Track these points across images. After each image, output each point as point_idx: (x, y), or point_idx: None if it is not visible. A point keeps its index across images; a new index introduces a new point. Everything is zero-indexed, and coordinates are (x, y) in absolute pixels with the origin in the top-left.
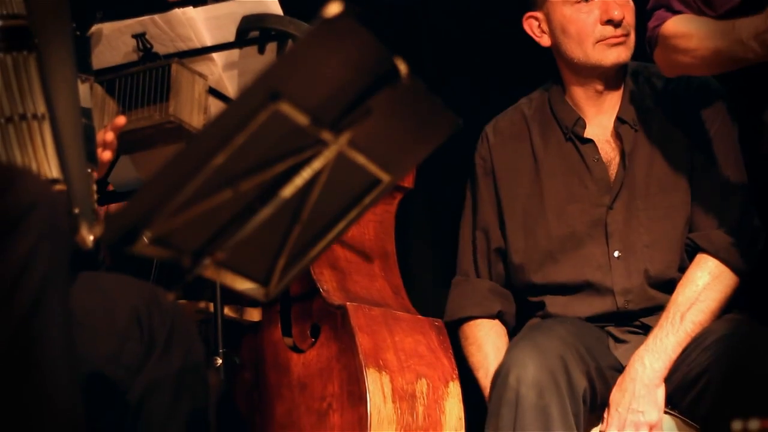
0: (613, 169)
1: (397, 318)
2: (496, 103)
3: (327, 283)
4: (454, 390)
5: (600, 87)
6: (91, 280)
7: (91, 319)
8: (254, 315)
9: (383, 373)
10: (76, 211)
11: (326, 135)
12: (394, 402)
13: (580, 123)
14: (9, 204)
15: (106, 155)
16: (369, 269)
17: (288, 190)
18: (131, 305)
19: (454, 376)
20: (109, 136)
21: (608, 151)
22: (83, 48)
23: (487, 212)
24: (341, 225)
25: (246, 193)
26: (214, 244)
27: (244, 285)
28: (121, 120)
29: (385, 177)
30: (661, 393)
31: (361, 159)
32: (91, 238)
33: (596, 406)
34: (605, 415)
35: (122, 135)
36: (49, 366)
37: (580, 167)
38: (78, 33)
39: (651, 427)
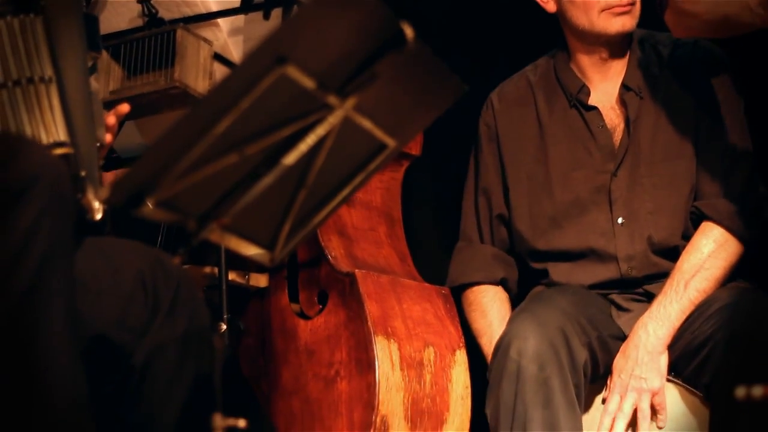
0: (618, 136)
1: (404, 285)
2: (503, 71)
3: (335, 250)
4: (461, 358)
5: (605, 54)
6: (97, 244)
7: (96, 282)
8: (261, 281)
9: (392, 340)
10: (83, 174)
11: (332, 99)
12: (402, 369)
13: (584, 90)
14: (12, 176)
15: (106, 138)
16: (376, 236)
17: (294, 155)
18: (136, 269)
19: (461, 345)
20: (111, 119)
21: (613, 118)
22: (93, 27)
23: (490, 178)
24: (347, 190)
25: (252, 157)
26: (219, 208)
27: (249, 249)
28: (125, 107)
29: (390, 142)
30: (664, 360)
31: (366, 124)
32: (97, 204)
33: (598, 376)
34: (608, 382)
35: (128, 100)
36: (50, 342)
37: (584, 134)
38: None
39: (653, 394)
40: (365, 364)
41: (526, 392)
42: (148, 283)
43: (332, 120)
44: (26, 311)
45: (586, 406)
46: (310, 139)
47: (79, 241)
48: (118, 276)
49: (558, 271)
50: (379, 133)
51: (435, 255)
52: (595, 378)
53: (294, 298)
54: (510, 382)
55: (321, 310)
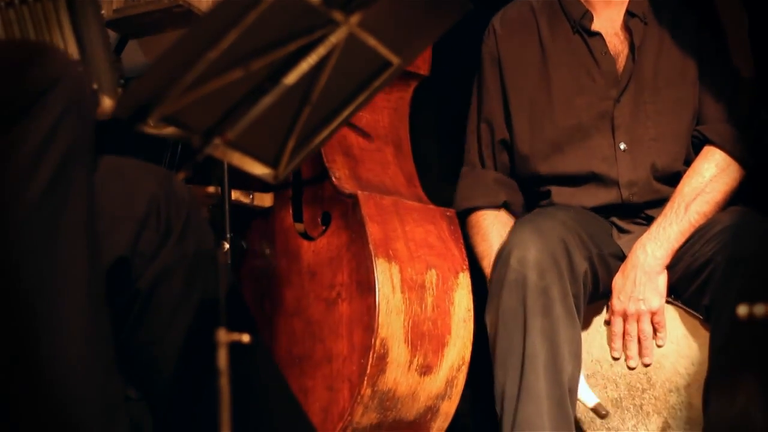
0: (621, 62)
1: (408, 207)
2: None
3: (339, 171)
4: (464, 281)
5: None
6: (111, 164)
7: (111, 206)
8: (266, 200)
9: (393, 263)
10: (95, 86)
11: (337, 15)
12: (402, 292)
13: (588, 16)
14: (34, 77)
15: None
16: (382, 157)
17: (297, 73)
18: (150, 192)
19: (464, 267)
20: None
21: (617, 44)
22: None
23: (492, 104)
24: (351, 107)
25: (257, 73)
26: (224, 124)
27: (253, 166)
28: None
29: (395, 59)
30: (662, 280)
31: (371, 41)
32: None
33: (598, 293)
34: (608, 303)
35: (131, 19)
36: (68, 240)
37: (587, 60)
38: None
39: (653, 314)
40: (366, 286)
41: (526, 300)
42: (162, 209)
43: (337, 36)
44: (45, 212)
45: (586, 325)
46: (315, 56)
47: (97, 158)
48: (132, 200)
49: (560, 194)
50: (383, 50)
51: (443, 178)
52: (594, 297)
53: (298, 217)
54: (510, 291)
55: (324, 231)
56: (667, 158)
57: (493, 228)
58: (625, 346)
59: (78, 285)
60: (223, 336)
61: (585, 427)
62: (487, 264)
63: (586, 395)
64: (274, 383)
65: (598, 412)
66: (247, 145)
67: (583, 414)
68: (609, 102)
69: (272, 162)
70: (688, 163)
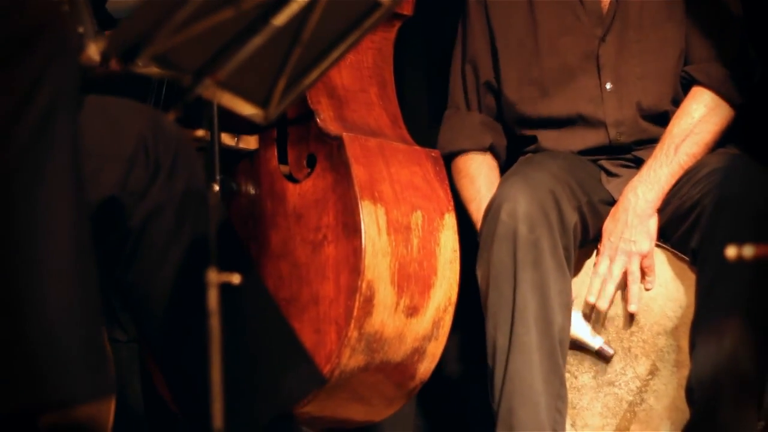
0: (606, 0)
1: (393, 149)
2: None
3: (324, 112)
4: (450, 222)
5: None
6: (98, 103)
7: (99, 146)
8: (251, 143)
9: (378, 205)
10: (81, 30)
11: None
12: (389, 234)
13: None
14: (18, 24)
15: None
16: (367, 98)
17: (288, 12)
18: (137, 131)
19: (450, 208)
20: None
21: None
22: None
23: (478, 45)
24: (342, 48)
25: (248, 12)
26: (214, 64)
27: (243, 107)
28: None
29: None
30: (653, 223)
31: None
32: (98, 58)
33: (588, 240)
34: (598, 246)
35: None
36: (56, 184)
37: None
38: None
39: (643, 257)
40: (351, 228)
41: (516, 253)
42: (150, 146)
43: None
44: (30, 159)
45: (576, 269)
46: None
47: (82, 99)
48: (120, 139)
49: (547, 137)
50: None
51: (428, 119)
52: (584, 242)
53: (283, 159)
54: (500, 244)
55: (309, 174)
56: (653, 97)
57: (481, 171)
58: (602, 288)
59: (63, 232)
60: (214, 277)
61: (573, 369)
62: (475, 208)
63: (590, 337)
64: (269, 315)
65: (604, 352)
66: (237, 86)
67: (571, 357)
68: (594, 41)
69: (262, 102)
70: (676, 103)
